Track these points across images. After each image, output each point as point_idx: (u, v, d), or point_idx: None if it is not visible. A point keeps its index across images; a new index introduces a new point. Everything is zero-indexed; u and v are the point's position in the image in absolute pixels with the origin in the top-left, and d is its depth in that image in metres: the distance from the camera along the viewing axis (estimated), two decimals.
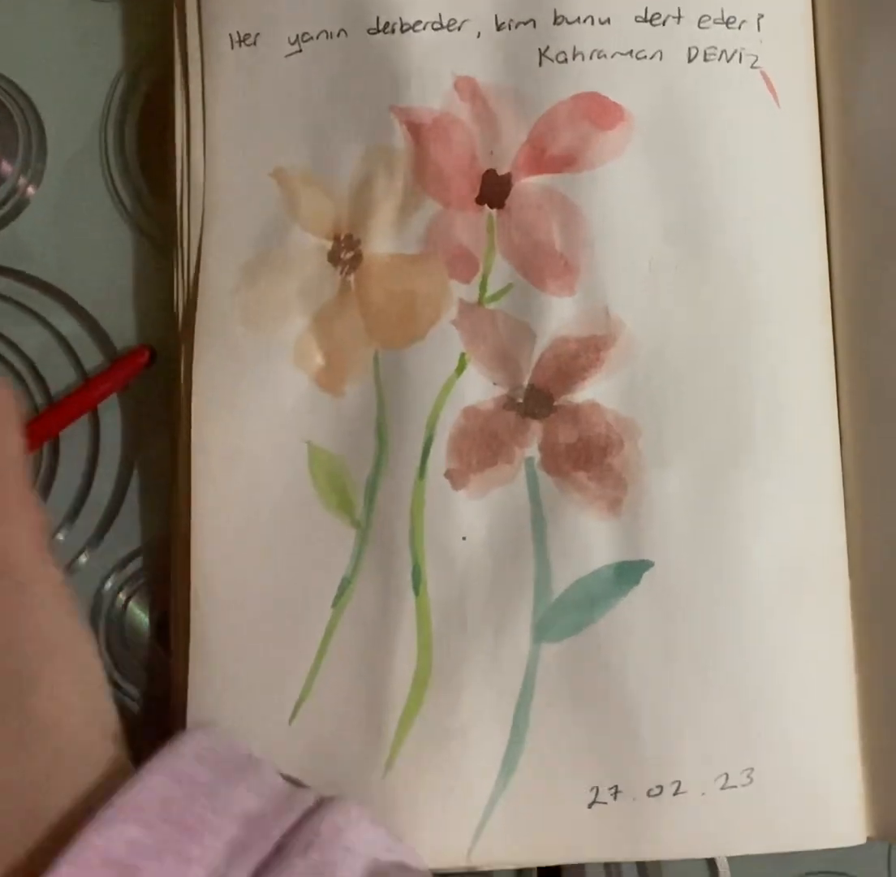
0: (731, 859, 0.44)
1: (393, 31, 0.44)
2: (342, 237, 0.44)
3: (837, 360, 0.45)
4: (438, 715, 0.42)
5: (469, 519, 0.43)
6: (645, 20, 0.44)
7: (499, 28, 0.44)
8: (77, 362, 0.46)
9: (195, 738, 0.37)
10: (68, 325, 0.47)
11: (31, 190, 0.47)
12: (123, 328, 0.47)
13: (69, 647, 0.37)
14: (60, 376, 0.47)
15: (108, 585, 0.46)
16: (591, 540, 0.42)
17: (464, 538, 0.43)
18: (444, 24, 0.44)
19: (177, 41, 0.45)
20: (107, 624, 0.46)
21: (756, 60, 0.44)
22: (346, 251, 0.44)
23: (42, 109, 0.48)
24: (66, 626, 0.38)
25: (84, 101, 0.48)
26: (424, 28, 0.44)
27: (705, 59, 0.44)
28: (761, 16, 0.44)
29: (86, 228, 0.47)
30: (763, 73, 0.44)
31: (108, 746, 0.37)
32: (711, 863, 0.44)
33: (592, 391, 0.43)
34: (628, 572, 0.42)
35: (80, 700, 0.37)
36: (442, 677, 0.42)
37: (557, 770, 0.42)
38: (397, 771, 0.42)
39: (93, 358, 0.46)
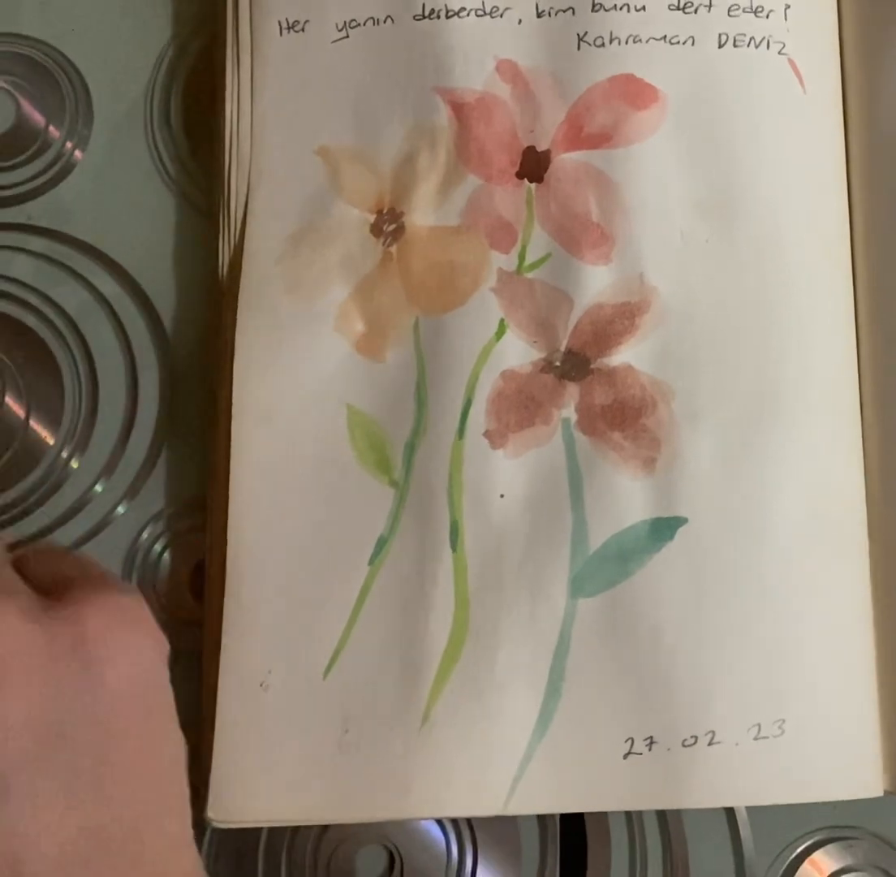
0: (749, 811, 0.48)
1: (438, 16, 0.49)
2: (385, 210, 0.49)
3: (858, 322, 0.49)
4: (475, 669, 0.46)
5: (507, 477, 0.47)
6: (678, 8, 0.49)
7: (539, 15, 0.49)
8: (117, 322, 0.51)
9: None
10: (109, 285, 0.51)
11: (77, 154, 0.53)
12: (163, 289, 0.52)
13: None
14: (100, 335, 0.51)
15: (144, 536, 0.50)
16: (626, 497, 0.47)
17: (502, 496, 0.47)
18: (487, 11, 0.49)
19: (229, 24, 0.51)
20: (140, 574, 0.50)
21: (783, 47, 0.49)
22: (388, 224, 0.49)
23: (88, 77, 0.53)
24: None
25: (130, 70, 0.53)
26: (468, 15, 0.49)
27: (735, 46, 0.49)
28: (788, 6, 0.49)
29: (129, 192, 0.52)
30: (790, 60, 0.49)
31: None
32: (730, 814, 0.48)
33: (627, 355, 0.47)
34: (663, 528, 0.46)
35: None
36: (479, 631, 0.46)
37: (593, 722, 0.46)
38: (434, 724, 0.46)
39: (132, 318, 0.51)
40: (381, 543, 0.47)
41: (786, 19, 0.49)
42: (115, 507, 0.50)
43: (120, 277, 0.51)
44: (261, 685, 0.46)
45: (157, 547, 0.50)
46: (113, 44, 0.53)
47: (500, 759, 0.46)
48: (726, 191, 0.48)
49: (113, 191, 0.52)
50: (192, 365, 0.51)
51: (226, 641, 0.46)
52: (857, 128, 0.50)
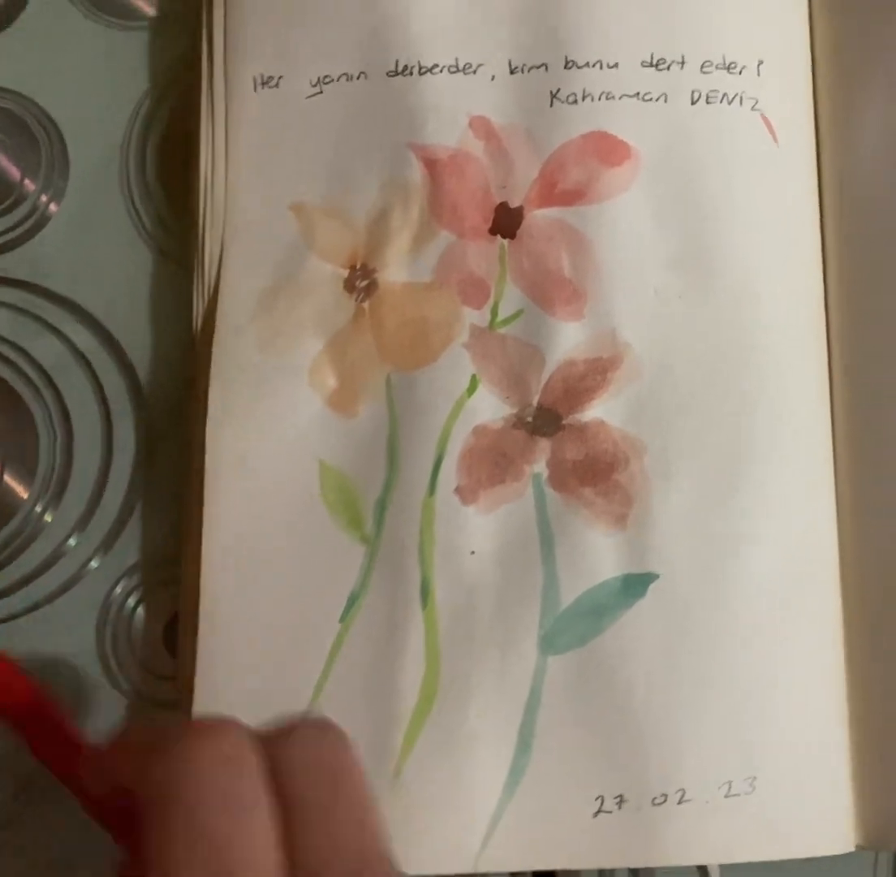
0: (722, 867, 0.48)
1: (411, 73, 0.50)
2: (358, 266, 0.49)
3: (832, 380, 0.50)
4: (446, 726, 0.46)
5: (478, 534, 0.47)
6: (651, 65, 0.50)
7: (512, 72, 0.50)
8: (92, 375, 0.52)
9: None
10: (84, 338, 0.52)
11: (52, 207, 0.53)
12: (139, 342, 0.52)
13: None
14: (76, 388, 0.52)
15: (118, 590, 0.50)
16: (597, 553, 0.47)
17: (472, 552, 0.47)
18: (460, 67, 0.50)
19: (204, 78, 0.51)
20: (114, 629, 0.50)
21: (756, 103, 0.50)
22: (361, 279, 0.49)
23: (65, 129, 0.54)
24: None
25: (106, 122, 0.54)
26: (441, 71, 0.50)
27: (708, 102, 0.49)
28: (761, 62, 0.50)
29: (104, 245, 0.53)
30: (763, 116, 0.50)
31: None
32: (702, 869, 0.48)
33: (599, 410, 0.48)
34: (635, 584, 0.46)
35: None
36: (449, 688, 0.47)
37: (563, 780, 0.46)
38: (404, 781, 0.46)
39: (108, 371, 0.52)
40: (353, 600, 0.47)
41: (759, 74, 0.50)
42: (88, 561, 0.50)
43: (95, 329, 0.52)
44: None
45: (131, 601, 0.50)
46: (89, 96, 0.54)
47: (470, 815, 0.46)
48: (699, 246, 0.49)
49: (88, 243, 0.53)
50: (167, 419, 0.51)
51: (197, 697, 0.47)
52: (831, 180, 0.51)
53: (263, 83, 0.51)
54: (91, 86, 0.54)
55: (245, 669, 0.47)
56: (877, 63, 0.50)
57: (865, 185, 0.50)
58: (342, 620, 0.47)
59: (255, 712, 0.47)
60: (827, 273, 0.51)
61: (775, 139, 0.50)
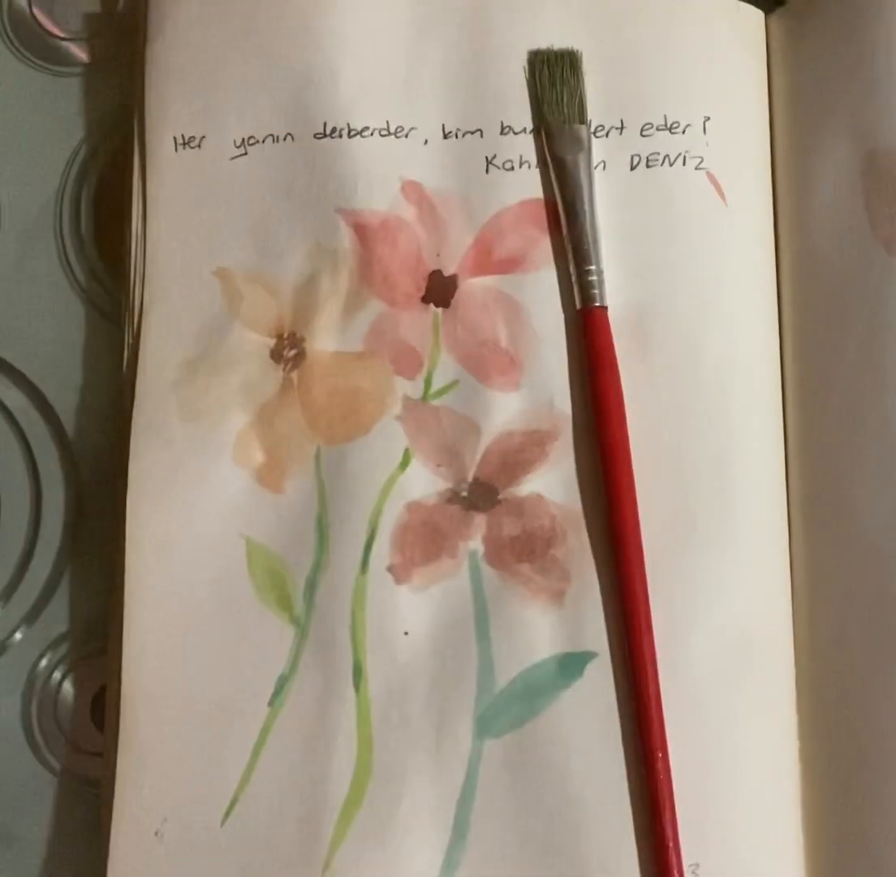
0: None
1: (340, 135, 0.49)
2: (285, 335, 0.49)
3: (787, 444, 0.48)
4: (379, 815, 0.45)
5: (412, 613, 0.46)
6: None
7: (446, 136, 0.49)
8: (21, 435, 0.51)
9: None
10: (14, 397, 0.51)
11: None
12: (70, 403, 0.51)
13: None
14: (3, 449, 0.50)
15: (43, 663, 0.49)
16: (534, 632, 0.46)
17: (406, 633, 0.46)
18: (392, 130, 0.49)
19: (136, 136, 0.50)
20: (40, 702, 0.49)
21: (701, 162, 0.49)
22: (289, 349, 0.48)
23: None
24: None
25: (40, 174, 0.53)
26: (372, 134, 0.49)
27: (648, 166, 0.49)
28: (707, 118, 0.49)
29: (37, 301, 0.52)
30: (708, 174, 0.49)
31: None
32: None
33: (537, 484, 0.47)
34: (572, 664, 0.45)
35: None
36: (382, 775, 0.45)
37: (500, 870, 0.45)
38: (335, 872, 0.45)
39: (38, 432, 0.51)
40: (282, 683, 0.46)
41: (704, 132, 0.49)
42: (12, 633, 0.49)
43: (27, 389, 0.51)
44: (156, 834, 0.45)
45: (57, 674, 0.49)
46: (23, 144, 0.53)
47: None
48: (642, 314, 0.48)
49: (21, 299, 0.52)
50: (98, 485, 0.50)
51: (119, 786, 0.46)
52: (788, 241, 0.50)
53: (184, 144, 0.50)
54: (25, 134, 0.53)
55: (169, 756, 0.46)
56: (835, 119, 0.49)
57: (824, 246, 0.49)
58: (271, 704, 0.46)
59: (181, 804, 0.46)
60: (783, 338, 0.49)
61: (723, 198, 0.49)
